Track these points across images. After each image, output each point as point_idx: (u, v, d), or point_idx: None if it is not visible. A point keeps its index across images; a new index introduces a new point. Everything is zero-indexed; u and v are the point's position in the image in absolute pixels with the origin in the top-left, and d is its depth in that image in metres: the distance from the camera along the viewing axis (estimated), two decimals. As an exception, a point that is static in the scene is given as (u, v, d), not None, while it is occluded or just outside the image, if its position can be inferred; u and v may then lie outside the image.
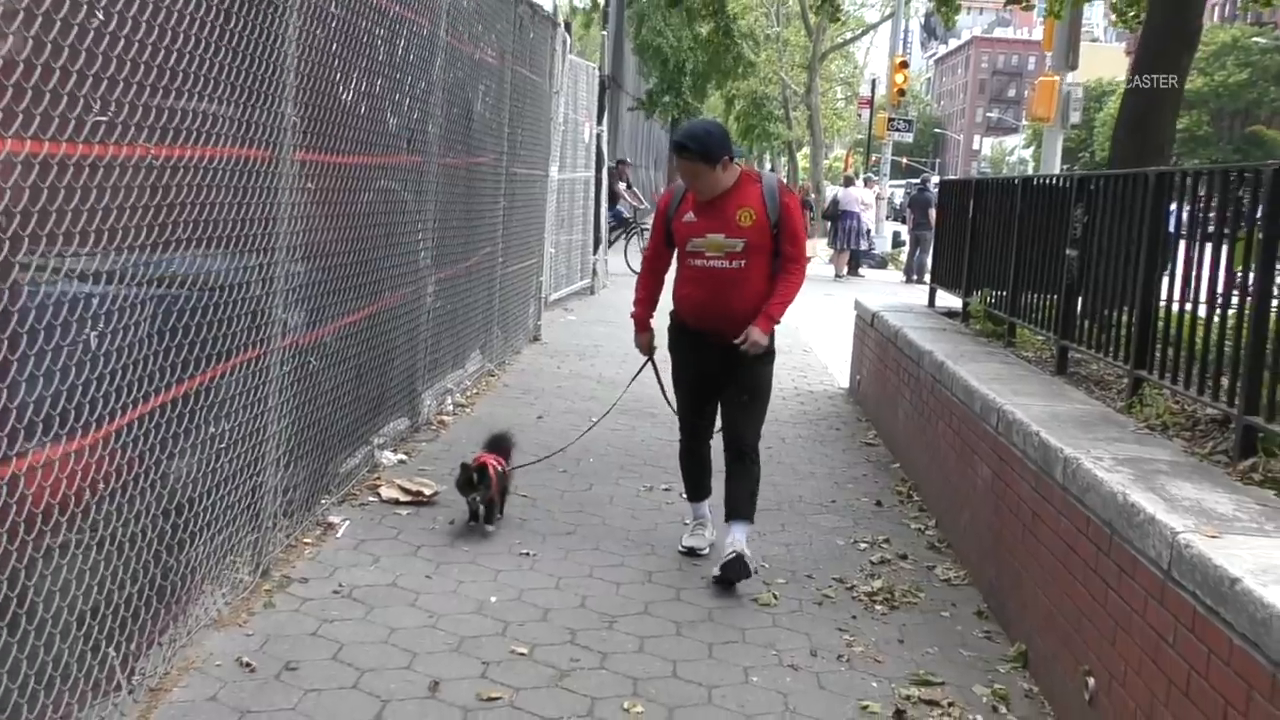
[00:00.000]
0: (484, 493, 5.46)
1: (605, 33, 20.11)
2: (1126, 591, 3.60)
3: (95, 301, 3.14)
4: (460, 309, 8.34)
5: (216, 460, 4.11)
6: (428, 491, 5.97)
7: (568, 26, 13.20)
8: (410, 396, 7.14)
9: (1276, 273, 4.05)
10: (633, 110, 33.60)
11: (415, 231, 6.80)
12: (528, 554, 5.33)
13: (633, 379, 6.17)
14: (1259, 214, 4.09)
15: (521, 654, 4.25)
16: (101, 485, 3.24)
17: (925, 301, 9.99)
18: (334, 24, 5.10)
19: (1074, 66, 15.93)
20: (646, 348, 5.59)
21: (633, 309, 5.61)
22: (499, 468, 5.62)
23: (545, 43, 11.20)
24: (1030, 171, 40.22)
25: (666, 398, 5.66)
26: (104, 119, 3.04)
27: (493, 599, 4.75)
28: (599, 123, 16.18)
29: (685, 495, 5.78)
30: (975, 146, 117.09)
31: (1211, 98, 64.90)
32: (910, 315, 8.90)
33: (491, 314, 9.56)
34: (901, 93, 30.48)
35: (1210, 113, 66.27)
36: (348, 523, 5.48)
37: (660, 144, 42.41)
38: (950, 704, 4.13)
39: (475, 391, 8.85)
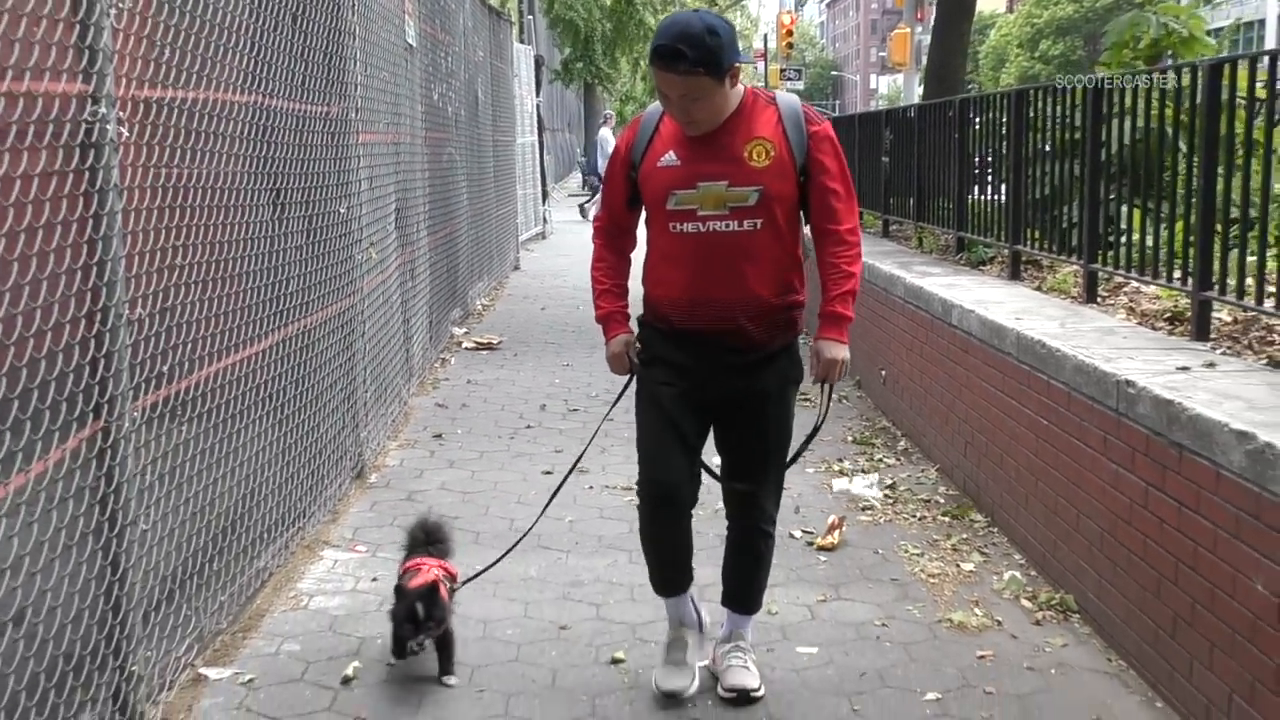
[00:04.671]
0: (434, 631, 3.64)
1: (528, 16, 23.36)
2: (893, 319, 7.18)
3: (390, 212, 6.56)
4: (479, 236, 11.77)
5: (406, 308, 7.55)
6: (495, 341, 9.46)
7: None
8: (463, 294, 10.57)
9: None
10: (551, 82, 36.87)
11: (460, 182, 10.21)
12: (567, 365, 8.81)
13: (614, 403, 4.03)
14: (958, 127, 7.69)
15: (592, 395, 7.78)
16: (386, 305, 6.67)
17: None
18: (428, 55, 8.50)
19: (921, 20, 19.59)
20: (624, 357, 3.65)
21: (597, 306, 3.72)
22: (451, 582, 3.87)
23: (507, 38, 14.58)
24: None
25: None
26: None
27: (556, 380, 8.24)
28: (537, 95, 19.55)
29: (654, 588, 3.81)
30: (873, 86, 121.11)
31: (1083, 23, 69.58)
32: (796, 219, 12.51)
33: (492, 245, 12.99)
34: (790, 45, 34.09)
35: (1083, 37, 70.97)
36: (453, 358, 8.96)
37: (573, 109, 45.88)
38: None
39: (491, 298, 12.32)
